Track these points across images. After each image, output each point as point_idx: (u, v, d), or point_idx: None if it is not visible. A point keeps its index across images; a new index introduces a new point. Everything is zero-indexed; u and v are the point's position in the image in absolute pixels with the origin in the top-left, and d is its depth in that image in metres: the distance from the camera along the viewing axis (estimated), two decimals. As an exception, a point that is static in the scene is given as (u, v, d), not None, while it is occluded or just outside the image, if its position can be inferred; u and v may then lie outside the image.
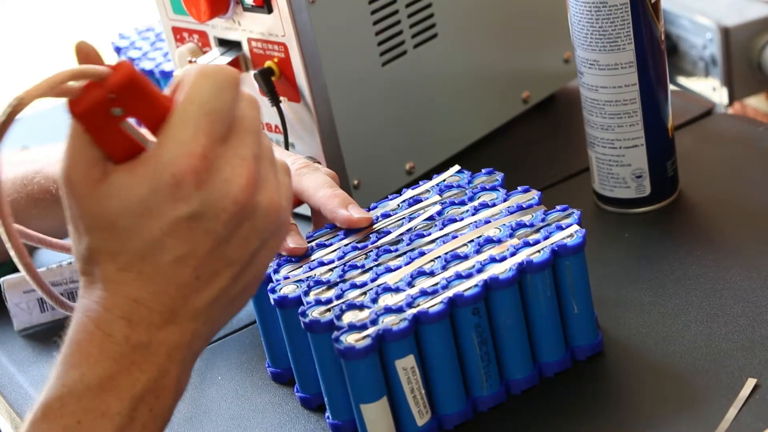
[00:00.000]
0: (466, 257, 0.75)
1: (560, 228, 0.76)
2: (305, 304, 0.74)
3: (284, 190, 0.67)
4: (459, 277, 0.73)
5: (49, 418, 0.61)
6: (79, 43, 0.65)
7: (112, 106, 0.62)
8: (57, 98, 0.62)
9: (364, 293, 0.74)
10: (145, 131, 0.64)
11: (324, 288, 0.75)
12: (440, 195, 0.82)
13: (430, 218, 0.80)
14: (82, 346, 0.62)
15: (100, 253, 0.63)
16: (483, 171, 0.84)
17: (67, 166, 0.63)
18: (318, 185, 0.81)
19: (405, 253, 0.77)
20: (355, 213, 0.80)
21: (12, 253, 0.68)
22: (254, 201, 0.64)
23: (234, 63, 0.95)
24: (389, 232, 0.79)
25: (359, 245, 0.79)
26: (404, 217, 0.81)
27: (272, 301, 0.76)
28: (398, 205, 0.82)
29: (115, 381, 0.62)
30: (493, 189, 0.82)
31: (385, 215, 0.81)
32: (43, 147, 0.98)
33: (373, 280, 0.75)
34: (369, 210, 0.82)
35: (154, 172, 0.62)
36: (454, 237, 0.77)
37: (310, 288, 0.75)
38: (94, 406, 0.61)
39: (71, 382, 0.62)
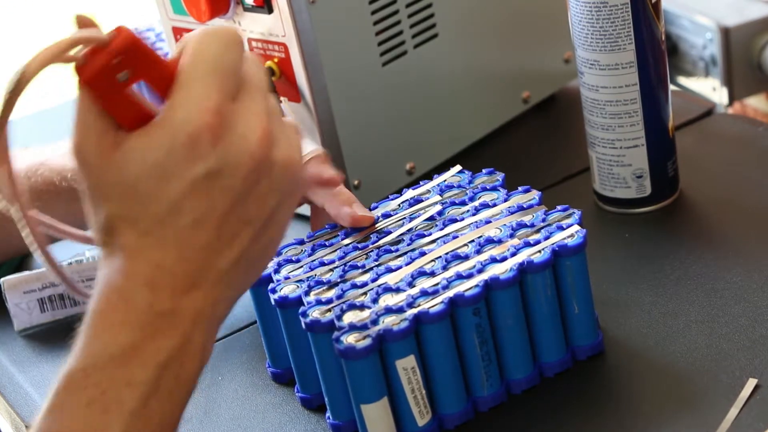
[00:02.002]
0: (466, 257, 0.75)
1: (561, 228, 0.76)
2: (306, 304, 0.74)
3: (296, 149, 0.66)
4: (459, 277, 0.73)
5: (72, 389, 0.60)
6: (78, 15, 0.64)
7: (119, 71, 0.62)
8: (64, 64, 0.62)
9: (365, 293, 0.74)
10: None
11: (324, 288, 0.75)
12: (441, 195, 0.82)
13: (431, 218, 0.80)
14: (105, 315, 0.61)
15: (120, 220, 0.62)
16: (483, 171, 0.84)
17: (77, 137, 0.62)
18: None
19: (405, 253, 0.77)
20: (358, 211, 0.80)
21: (28, 241, 0.68)
22: (270, 156, 0.63)
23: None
24: (390, 232, 0.79)
25: (360, 245, 0.79)
26: (405, 217, 0.81)
27: (273, 302, 0.76)
28: (399, 205, 0.82)
29: (139, 349, 0.61)
30: (494, 189, 0.82)
31: (386, 215, 0.81)
32: (48, 144, 0.98)
33: (374, 280, 0.75)
34: (369, 210, 0.82)
35: (169, 133, 0.61)
36: (455, 237, 0.77)
37: (310, 288, 0.75)
38: (118, 375, 0.60)
39: (94, 353, 0.61)
